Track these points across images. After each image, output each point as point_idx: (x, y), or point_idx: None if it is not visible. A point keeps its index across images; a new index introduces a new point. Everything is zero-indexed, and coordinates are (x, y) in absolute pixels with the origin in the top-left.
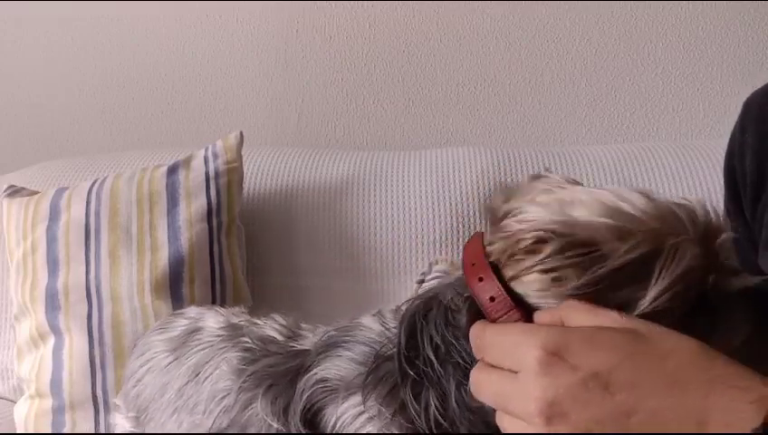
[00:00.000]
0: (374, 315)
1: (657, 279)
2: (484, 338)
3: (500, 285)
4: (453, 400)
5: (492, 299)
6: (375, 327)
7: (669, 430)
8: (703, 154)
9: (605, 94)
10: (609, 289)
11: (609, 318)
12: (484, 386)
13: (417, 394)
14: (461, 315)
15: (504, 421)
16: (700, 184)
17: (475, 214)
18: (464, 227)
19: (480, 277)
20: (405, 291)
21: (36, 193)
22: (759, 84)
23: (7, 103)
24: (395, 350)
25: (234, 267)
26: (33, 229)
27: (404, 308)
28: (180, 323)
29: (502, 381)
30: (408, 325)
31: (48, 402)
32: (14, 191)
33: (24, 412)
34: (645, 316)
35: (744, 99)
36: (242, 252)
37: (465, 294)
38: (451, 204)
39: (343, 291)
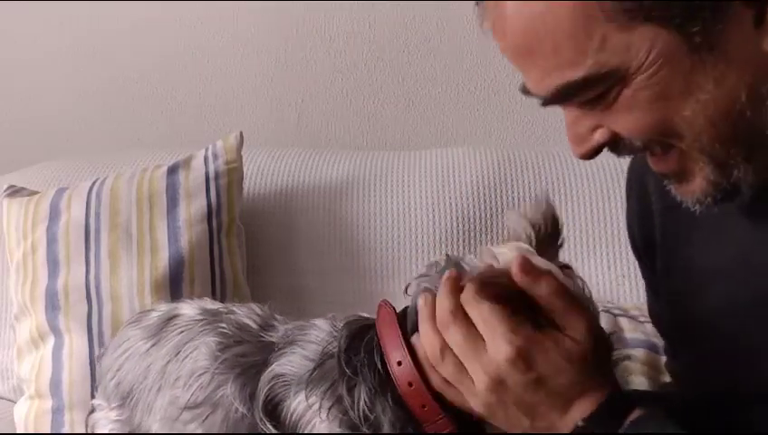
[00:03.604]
0: (327, 318)
1: None
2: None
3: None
4: (380, 395)
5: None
6: (325, 328)
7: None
8: None
9: None
10: None
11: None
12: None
13: (350, 389)
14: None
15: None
16: None
17: (474, 214)
18: (464, 226)
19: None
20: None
21: (36, 193)
22: None
23: (7, 103)
24: (337, 349)
25: (234, 267)
26: (33, 229)
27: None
28: (153, 315)
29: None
30: (350, 330)
31: (48, 403)
32: (14, 191)
33: (24, 412)
34: None
35: None
36: (242, 252)
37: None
38: (451, 204)
39: (343, 291)
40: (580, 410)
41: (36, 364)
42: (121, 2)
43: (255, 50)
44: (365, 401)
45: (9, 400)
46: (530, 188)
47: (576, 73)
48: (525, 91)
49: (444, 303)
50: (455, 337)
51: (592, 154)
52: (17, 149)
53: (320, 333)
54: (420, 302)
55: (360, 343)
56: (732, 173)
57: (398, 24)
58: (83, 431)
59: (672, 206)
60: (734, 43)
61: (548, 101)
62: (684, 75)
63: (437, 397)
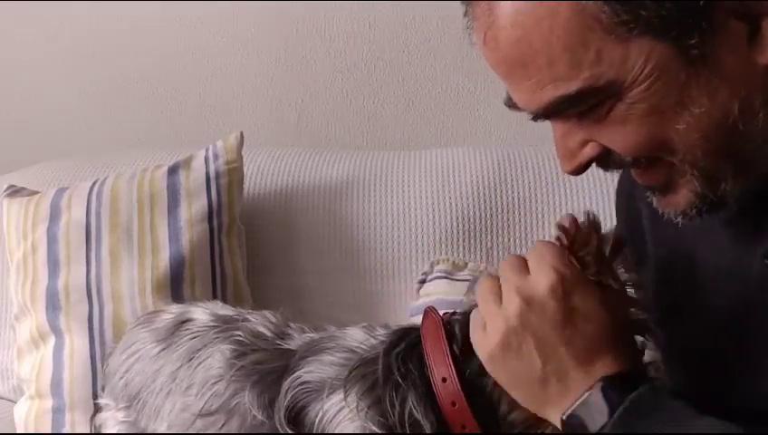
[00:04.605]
0: (361, 327)
1: None
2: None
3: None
4: (425, 407)
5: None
6: (359, 336)
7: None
8: None
9: None
10: None
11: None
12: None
13: (395, 394)
14: None
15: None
16: None
17: (474, 214)
18: (464, 227)
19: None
20: (405, 291)
21: (36, 193)
22: None
23: (7, 103)
24: (382, 352)
25: (234, 267)
26: (33, 230)
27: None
28: (164, 317)
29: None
30: (398, 336)
31: (48, 403)
32: (14, 191)
33: (24, 412)
34: None
35: None
36: (242, 252)
37: None
38: (451, 204)
39: (343, 291)
40: (603, 368)
41: (37, 364)
42: (121, 2)
43: (255, 50)
44: (411, 409)
45: (9, 400)
46: (530, 188)
47: (571, 87)
48: (510, 104)
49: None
50: (505, 265)
51: (581, 170)
52: (17, 149)
53: (352, 342)
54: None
55: (410, 351)
56: (720, 186)
57: (398, 24)
58: (85, 431)
59: (661, 218)
60: (729, 57)
61: (539, 114)
62: (678, 89)
63: (479, 417)
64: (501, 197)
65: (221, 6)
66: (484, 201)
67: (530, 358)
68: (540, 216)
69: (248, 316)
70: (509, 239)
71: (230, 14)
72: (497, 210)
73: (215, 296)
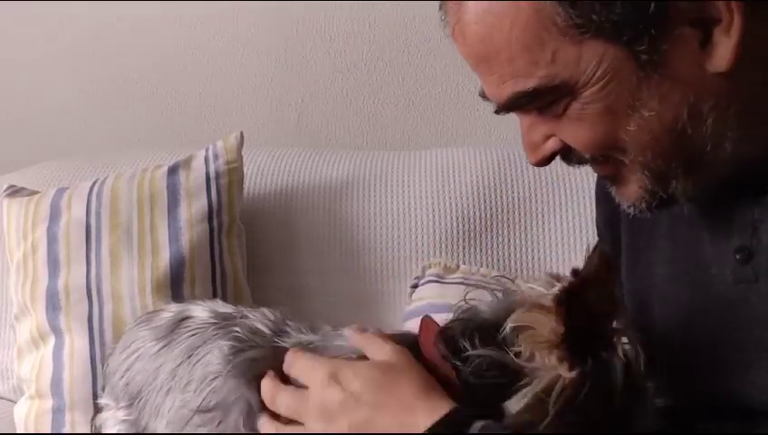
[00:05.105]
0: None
1: None
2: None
3: None
4: None
5: None
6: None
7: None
8: None
9: None
10: None
11: (380, 352)
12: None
13: None
14: None
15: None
16: None
17: (474, 214)
18: (464, 227)
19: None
20: (404, 291)
21: (36, 193)
22: None
23: (7, 103)
24: None
25: (234, 267)
26: (33, 229)
27: None
28: (164, 316)
29: (294, 395)
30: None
31: (48, 403)
32: (14, 191)
33: (24, 412)
34: None
35: None
36: (242, 252)
37: None
38: (451, 204)
39: (343, 291)
40: (424, 418)
41: (37, 364)
42: (121, 2)
43: (255, 50)
44: None
45: (9, 400)
46: (530, 188)
47: (528, 84)
48: (483, 95)
49: (265, 385)
50: (282, 401)
51: (545, 161)
52: (17, 149)
53: (345, 342)
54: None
55: None
56: (670, 185)
57: (398, 24)
58: (85, 432)
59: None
60: (680, 62)
61: (501, 108)
62: (630, 91)
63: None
64: (501, 197)
65: (221, 6)
66: (484, 201)
67: None
68: (540, 216)
69: (247, 313)
70: (509, 239)
71: (230, 14)
72: (497, 210)
73: (214, 296)
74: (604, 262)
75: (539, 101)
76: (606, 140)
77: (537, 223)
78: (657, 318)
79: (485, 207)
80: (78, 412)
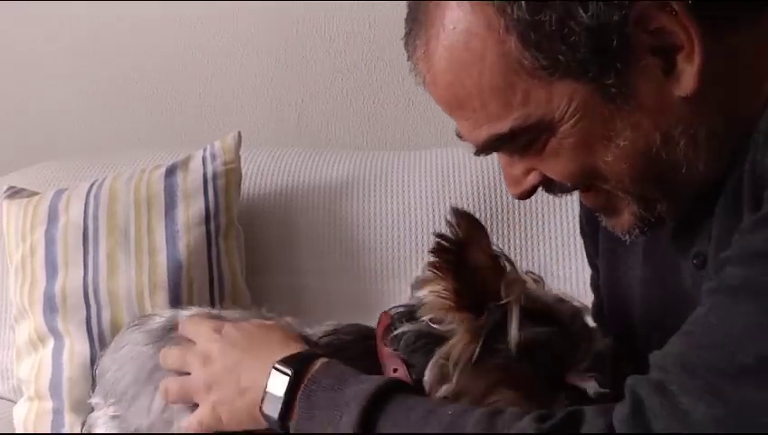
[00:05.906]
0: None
1: None
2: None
3: None
4: None
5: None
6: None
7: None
8: None
9: None
10: None
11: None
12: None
13: None
14: None
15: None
16: None
17: (474, 214)
18: None
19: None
20: (404, 291)
21: (36, 194)
22: None
23: (7, 103)
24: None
25: (232, 270)
26: (31, 231)
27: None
28: (156, 320)
29: (180, 349)
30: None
31: (48, 404)
32: (13, 192)
33: (24, 413)
34: None
35: None
36: (240, 254)
37: None
38: (451, 204)
39: (343, 291)
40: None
41: (36, 366)
42: (121, 2)
43: (255, 50)
44: None
45: (9, 400)
46: None
47: (504, 126)
48: (460, 136)
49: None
50: (170, 356)
51: (527, 195)
52: (17, 149)
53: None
54: None
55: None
56: (656, 208)
57: (398, 24)
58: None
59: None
60: (648, 91)
61: (480, 150)
62: (603, 123)
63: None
64: (501, 197)
65: (221, 6)
66: (485, 201)
67: (230, 396)
68: (540, 216)
69: (238, 316)
70: (509, 239)
71: (230, 14)
72: (497, 210)
73: (212, 299)
74: (472, 222)
75: (517, 142)
76: (584, 171)
77: (537, 223)
78: (637, 318)
79: (485, 207)
80: (77, 414)
